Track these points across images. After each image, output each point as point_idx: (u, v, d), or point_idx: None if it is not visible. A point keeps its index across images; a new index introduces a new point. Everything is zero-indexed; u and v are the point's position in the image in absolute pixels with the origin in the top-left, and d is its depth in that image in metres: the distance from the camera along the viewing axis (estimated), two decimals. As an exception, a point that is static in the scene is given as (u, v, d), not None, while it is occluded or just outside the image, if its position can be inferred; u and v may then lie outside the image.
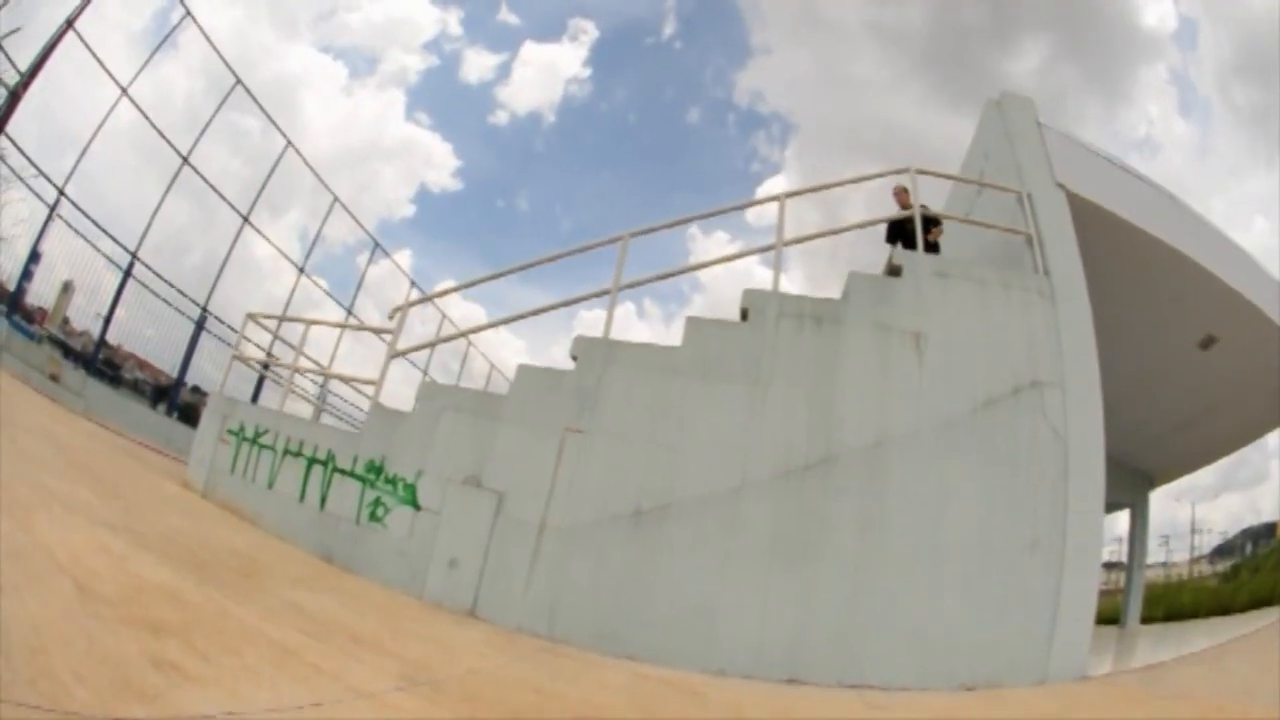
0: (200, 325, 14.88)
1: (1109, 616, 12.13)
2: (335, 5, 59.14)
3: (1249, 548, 20.13)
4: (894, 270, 6.23)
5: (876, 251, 7.37)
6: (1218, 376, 9.58)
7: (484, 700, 3.11)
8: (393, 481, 5.93)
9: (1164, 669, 5.95)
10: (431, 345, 7.43)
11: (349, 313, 19.09)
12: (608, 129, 73.45)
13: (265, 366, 12.16)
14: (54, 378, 12.12)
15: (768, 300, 5.98)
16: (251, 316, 8.60)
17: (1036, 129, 7.32)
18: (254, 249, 16.63)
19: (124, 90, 12.71)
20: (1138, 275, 7.84)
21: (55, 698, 1.94)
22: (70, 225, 12.51)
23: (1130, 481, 12.71)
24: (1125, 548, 13.93)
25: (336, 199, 18.33)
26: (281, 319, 8.85)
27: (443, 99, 70.20)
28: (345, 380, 11.34)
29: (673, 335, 6.71)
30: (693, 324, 5.97)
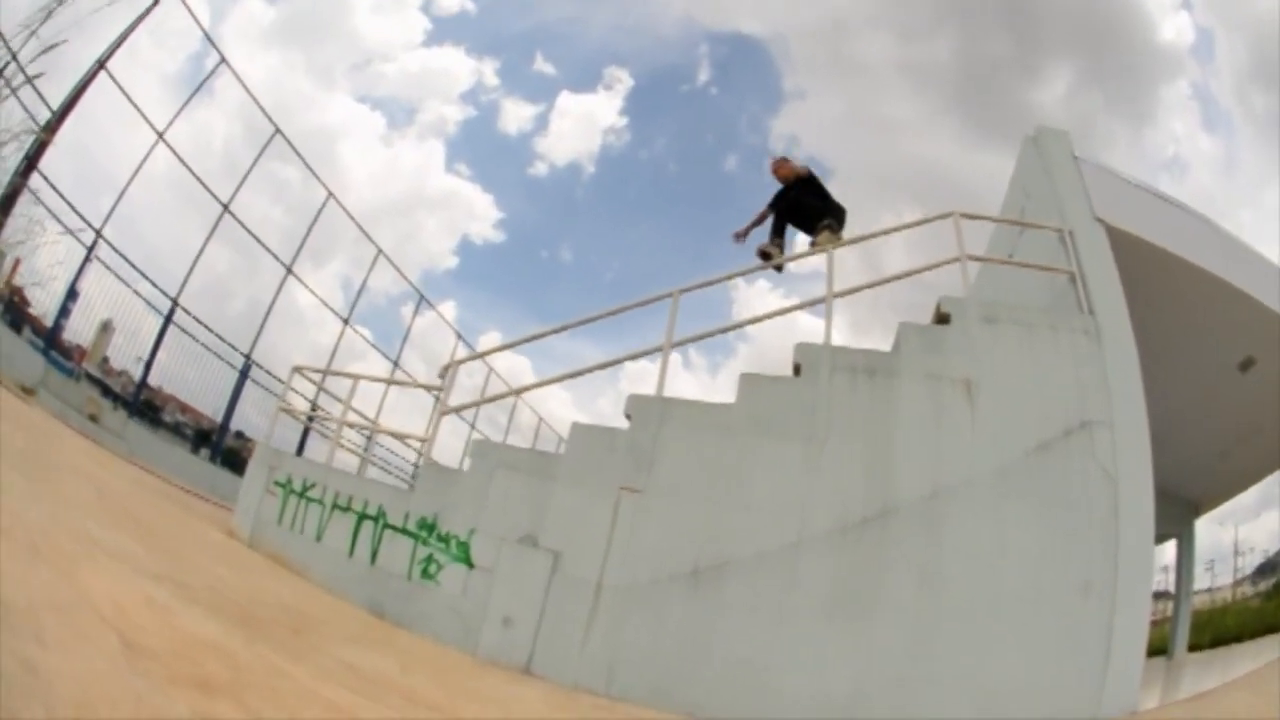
0: (245, 373, 15.20)
1: (1157, 647, 11.90)
2: (370, 55, 60.21)
3: (1289, 563, 19.84)
4: (942, 318, 6.21)
5: (916, 293, 7.42)
6: (1257, 398, 9.38)
7: None
8: (445, 539, 5.94)
9: (1210, 697, 5.92)
10: (480, 404, 7.52)
11: (395, 365, 19.45)
12: (647, 178, 73.23)
13: (310, 419, 12.34)
14: (93, 418, 12.32)
15: (820, 355, 5.98)
16: (298, 370, 8.71)
17: (1073, 163, 7.28)
18: (297, 297, 16.99)
19: (160, 136, 13.01)
20: (1177, 303, 7.75)
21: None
22: (108, 267, 12.80)
23: (1176, 511, 12.47)
24: (1171, 577, 13.73)
25: (380, 251, 18.76)
26: (326, 373, 8.96)
27: (482, 150, 70.88)
28: (394, 435, 11.51)
29: (719, 386, 6.80)
30: (747, 381, 5.98)
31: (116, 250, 12.66)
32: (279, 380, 14.24)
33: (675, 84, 73.47)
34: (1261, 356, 8.59)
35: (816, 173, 8.13)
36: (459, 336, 22.60)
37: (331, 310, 17.76)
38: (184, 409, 16.69)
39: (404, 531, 6.16)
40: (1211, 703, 5.63)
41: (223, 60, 14.30)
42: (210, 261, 14.39)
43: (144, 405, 14.34)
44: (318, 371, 8.84)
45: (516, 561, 5.65)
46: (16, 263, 12.59)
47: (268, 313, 15.60)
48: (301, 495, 6.99)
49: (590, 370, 6.76)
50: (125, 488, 7.41)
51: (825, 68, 73.79)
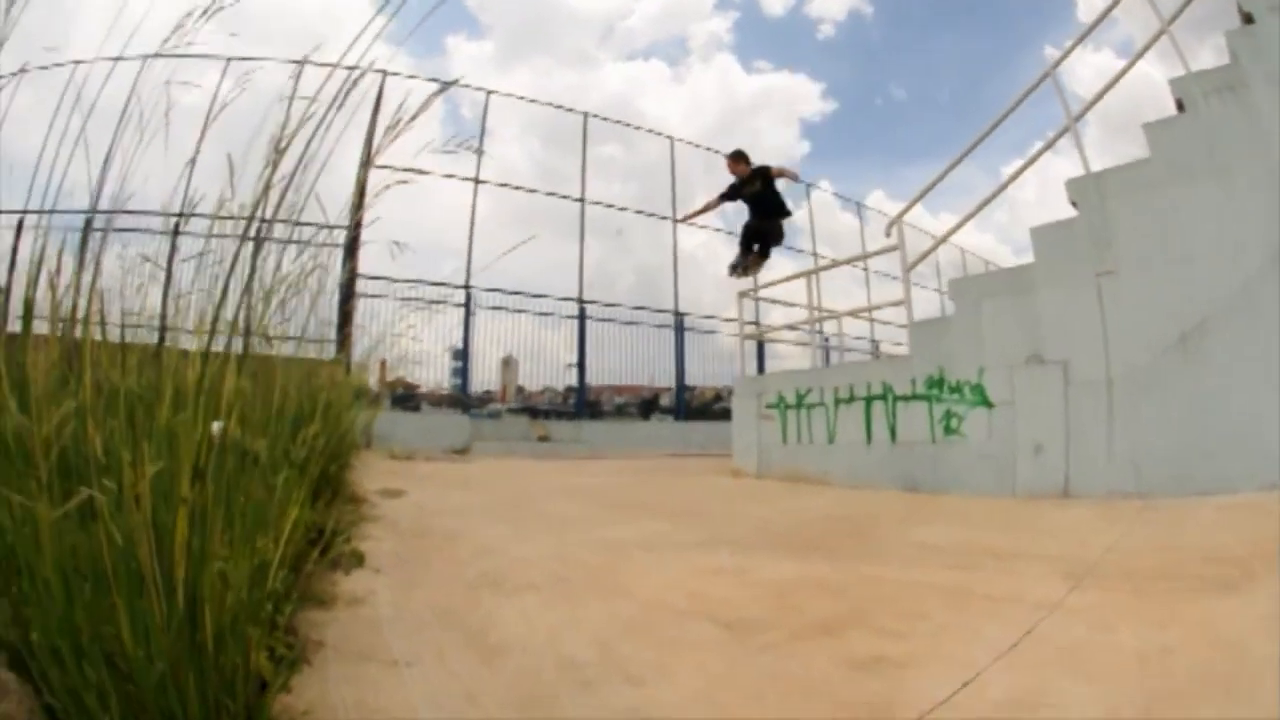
0: (680, 329, 16.18)
1: None
2: (607, 21, 62.10)
3: None
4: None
5: None
6: None
7: (1141, 573, 2.89)
8: (958, 389, 5.87)
9: None
10: (934, 249, 7.31)
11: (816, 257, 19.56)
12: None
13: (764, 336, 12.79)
14: (543, 439, 13.64)
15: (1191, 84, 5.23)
16: (743, 294, 9.10)
17: None
18: (684, 242, 17.58)
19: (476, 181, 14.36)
20: None
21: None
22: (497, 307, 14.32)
23: None
24: None
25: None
26: (774, 284, 9.15)
27: (766, 40, 69.52)
28: (856, 315, 11.51)
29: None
30: (1153, 130, 5.28)
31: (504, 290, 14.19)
32: (705, 323, 15.45)
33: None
34: None
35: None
36: (858, 205, 22.26)
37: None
38: (618, 391, 18.22)
39: (915, 397, 6.16)
40: None
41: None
42: (567, 259, 15.50)
43: (588, 405, 15.68)
44: (766, 287, 9.06)
45: (1030, 384, 5.44)
46: (383, 364, 14.64)
47: (675, 264, 16.46)
48: (799, 406, 7.23)
49: (1005, 185, 6.38)
50: (611, 480, 7.87)
51: None
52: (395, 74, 14.39)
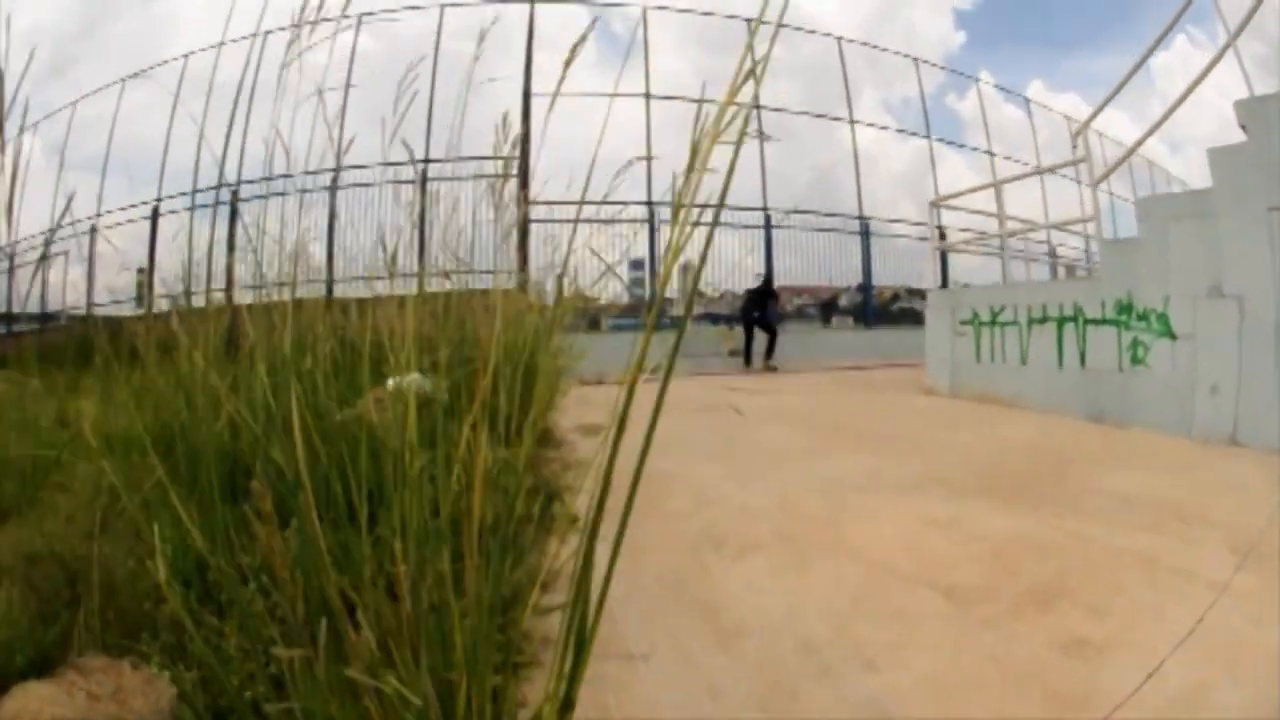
0: (866, 233, 16.53)
1: None
2: None
3: None
4: None
5: None
6: None
7: None
8: (1145, 316, 5.77)
9: None
10: (1126, 158, 7.17)
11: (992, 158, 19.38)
12: None
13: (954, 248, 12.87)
14: (734, 353, 13.96)
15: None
16: (934, 203, 9.22)
17: None
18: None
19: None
20: None
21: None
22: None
23: None
24: None
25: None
26: (965, 193, 9.23)
27: None
28: (1057, 227, 11.27)
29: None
30: None
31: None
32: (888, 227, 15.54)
33: None
34: None
35: None
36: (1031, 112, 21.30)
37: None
38: (797, 292, 18.29)
39: (1105, 322, 6.15)
40: None
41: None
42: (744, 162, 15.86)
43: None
44: (954, 196, 9.15)
45: (1211, 318, 5.31)
46: (560, 279, 14.82)
47: (856, 167, 16.74)
48: (993, 324, 7.34)
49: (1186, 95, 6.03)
50: (811, 400, 8.23)
51: None
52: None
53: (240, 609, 1.97)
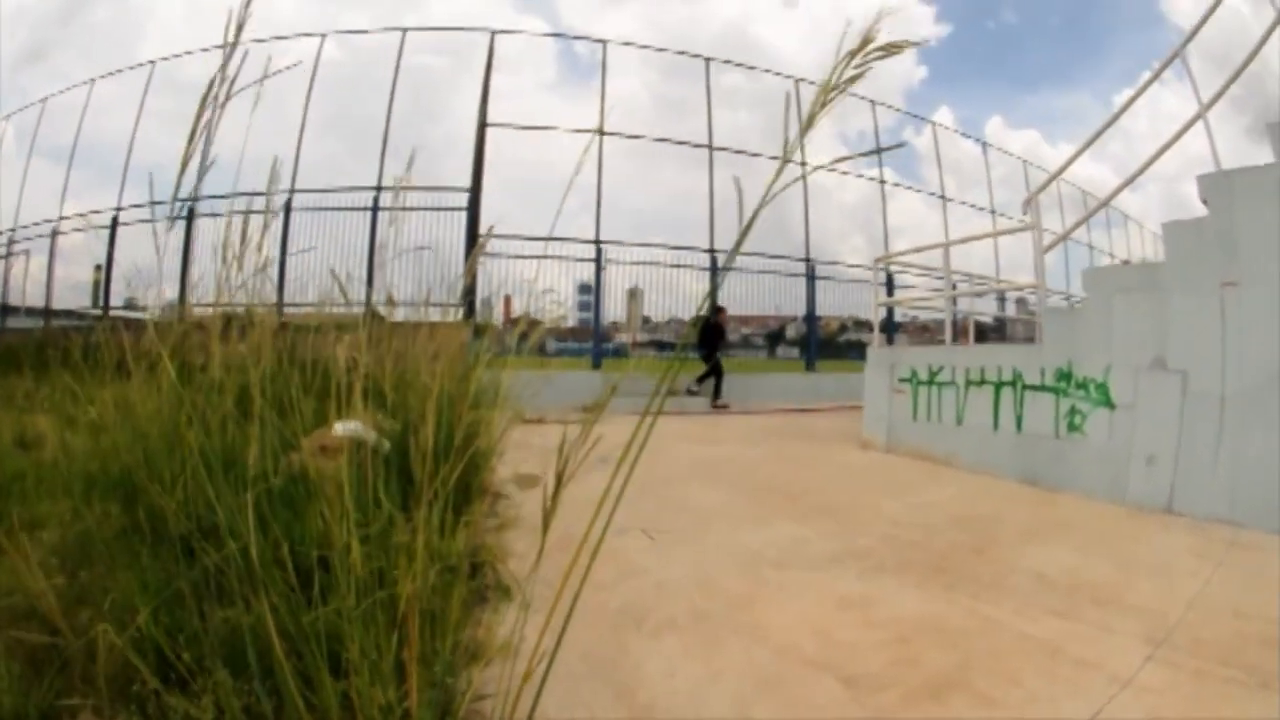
0: (811, 276, 16.46)
1: None
2: None
3: None
4: None
5: None
6: None
7: (1209, 648, 2.94)
8: (1084, 385, 5.89)
9: None
10: (1071, 231, 7.21)
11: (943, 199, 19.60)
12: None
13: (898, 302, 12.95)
14: (674, 391, 13.44)
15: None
16: (878, 261, 9.16)
17: None
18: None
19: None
20: None
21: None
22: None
23: None
24: None
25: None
26: (911, 251, 9.27)
27: None
28: (1008, 287, 11.38)
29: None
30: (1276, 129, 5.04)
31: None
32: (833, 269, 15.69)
33: None
34: None
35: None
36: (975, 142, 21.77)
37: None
38: (744, 321, 18.43)
39: (1043, 388, 6.23)
40: None
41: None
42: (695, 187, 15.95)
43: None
44: (901, 254, 9.16)
45: (1152, 390, 5.43)
46: (507, 301, 14.60)
47: (806, 215, 16.74)
48: (931, 383, 7.38)
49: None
50: (744, 452, 8.09)
51: None
52: (505, 31, 15.11)
53: (207, 681, 2.05)
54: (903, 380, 7.75)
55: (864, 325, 17.56)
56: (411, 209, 12.68)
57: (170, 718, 2.01)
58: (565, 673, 2.65)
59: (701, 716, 2.55)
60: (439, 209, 13.42)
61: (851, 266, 17.19)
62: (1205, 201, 5.36)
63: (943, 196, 19.24)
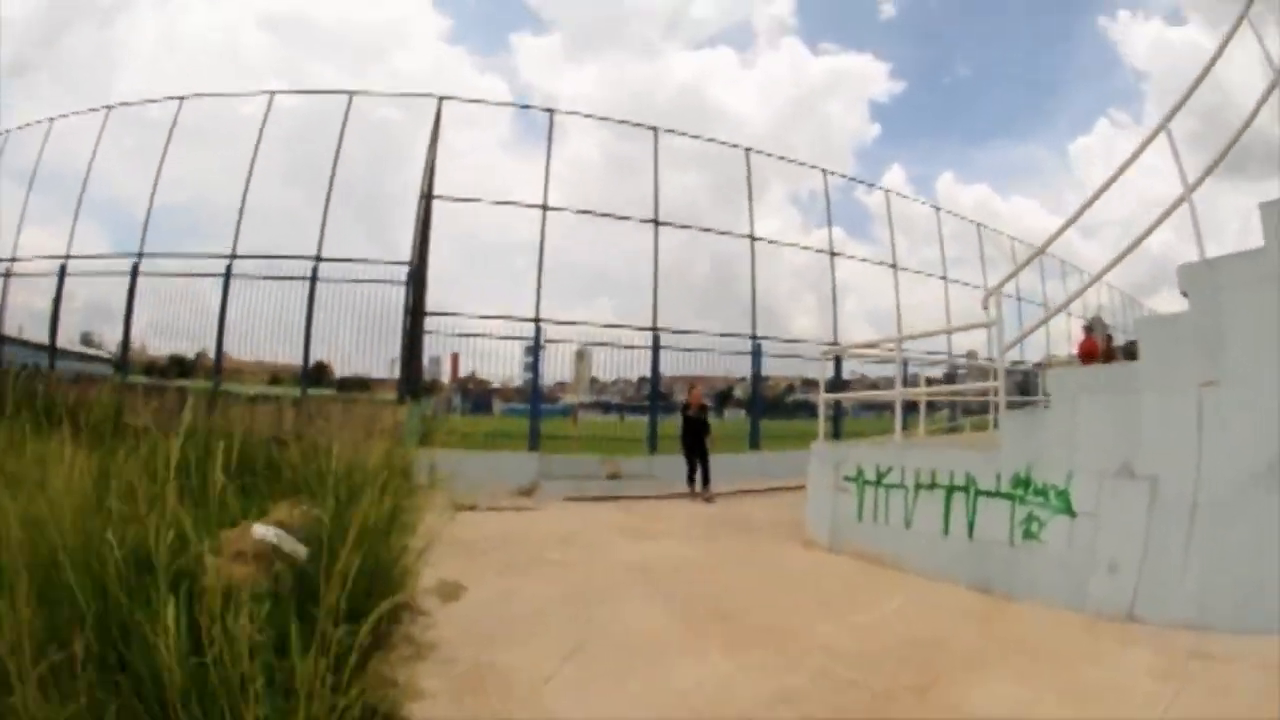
0: (757, 353, 16.43)
1: None
2: (675, 11, 61.66)
3: None
4: None
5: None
6: None
7: None
8: (1043, 491, 5.58)
9: None
10: (1033, 330, 7.08)
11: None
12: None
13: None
14: (613, 476, 13.60)
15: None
16: (826, 354, 9.03)
17: None
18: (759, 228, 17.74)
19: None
20: None
21: None
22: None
23: None
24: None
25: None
26: (861, 345, 9.19)
27: (830, 21, 69.43)
28: (961, 395, 11.34)
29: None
30: (1269, 211, 4.75)
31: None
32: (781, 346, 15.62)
33: None
34: None
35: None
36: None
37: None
38: (692, 384, 18.30)
39: (998, 495, 5.90)
40: None
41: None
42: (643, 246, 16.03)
43: (661, 398, 15.84)
44: (852, 347, 9.06)
45: (1117, 498, 5.13)
46: (454, 359, 14.99)
47: (753, 294, 16.71)
48: (878, 484, 7.02)
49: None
50: (682, 552, 7.73)
51: None
52: (452, 98, 14.98)
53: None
54: (848, 478, 7.37)
55: (812, 384, 17.39)
56: (353, 281, 12.68)
57: None
58: None
59: None
60: (380, 281, 12.90)
61: (792, 342, 17.32)
62: (1185, 294, 5.12)
63: (894, 265, 19.29)
